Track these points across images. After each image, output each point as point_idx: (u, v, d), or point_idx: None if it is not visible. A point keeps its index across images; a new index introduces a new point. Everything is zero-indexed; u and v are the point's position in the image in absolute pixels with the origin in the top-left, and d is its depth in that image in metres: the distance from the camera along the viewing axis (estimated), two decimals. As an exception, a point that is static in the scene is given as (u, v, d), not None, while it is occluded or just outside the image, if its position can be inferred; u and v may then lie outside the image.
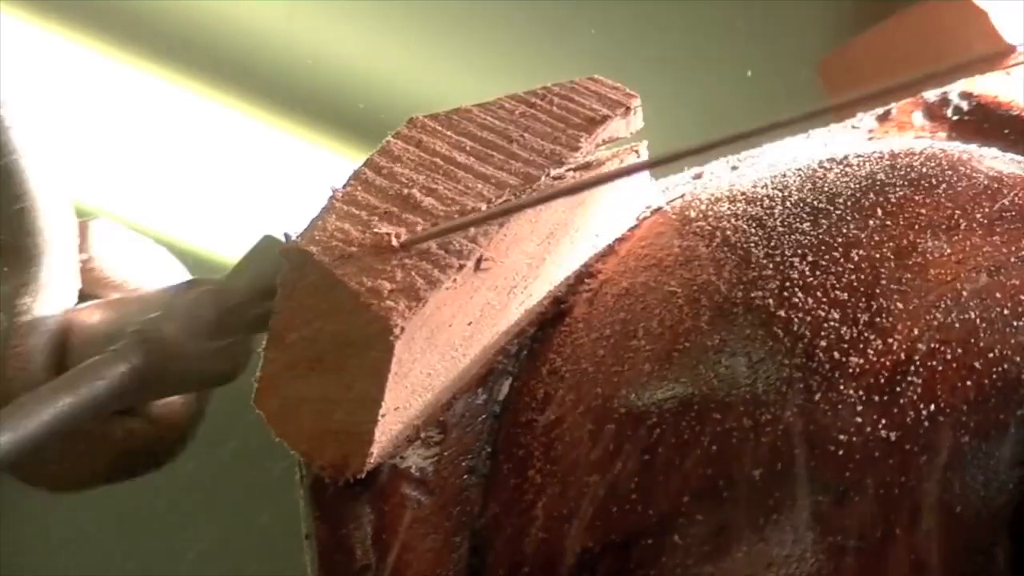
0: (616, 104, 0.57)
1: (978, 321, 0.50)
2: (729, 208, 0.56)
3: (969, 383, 0.49)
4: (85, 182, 0.86)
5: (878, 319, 0.50)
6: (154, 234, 0.84)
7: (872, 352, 0.50)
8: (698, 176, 0.63)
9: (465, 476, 0.54)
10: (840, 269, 0.52)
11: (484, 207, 0.52)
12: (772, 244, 0.53)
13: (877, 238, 0.53)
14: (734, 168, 0.63)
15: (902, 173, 0.56)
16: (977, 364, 0.49)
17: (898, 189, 0.55)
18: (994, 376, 0.49)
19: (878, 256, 0.52)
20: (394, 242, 0.50)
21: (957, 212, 0.54)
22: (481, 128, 0.55)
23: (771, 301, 0.52)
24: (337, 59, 0.92)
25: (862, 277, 0.51)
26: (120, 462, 0.64)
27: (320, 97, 0.89)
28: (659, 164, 0.53)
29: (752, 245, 0.54)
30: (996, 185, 0.55)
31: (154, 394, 0.62)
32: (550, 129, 0.56)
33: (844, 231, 0.53)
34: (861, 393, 0.49)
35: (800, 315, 0.51)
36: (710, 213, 0.56)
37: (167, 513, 0.76)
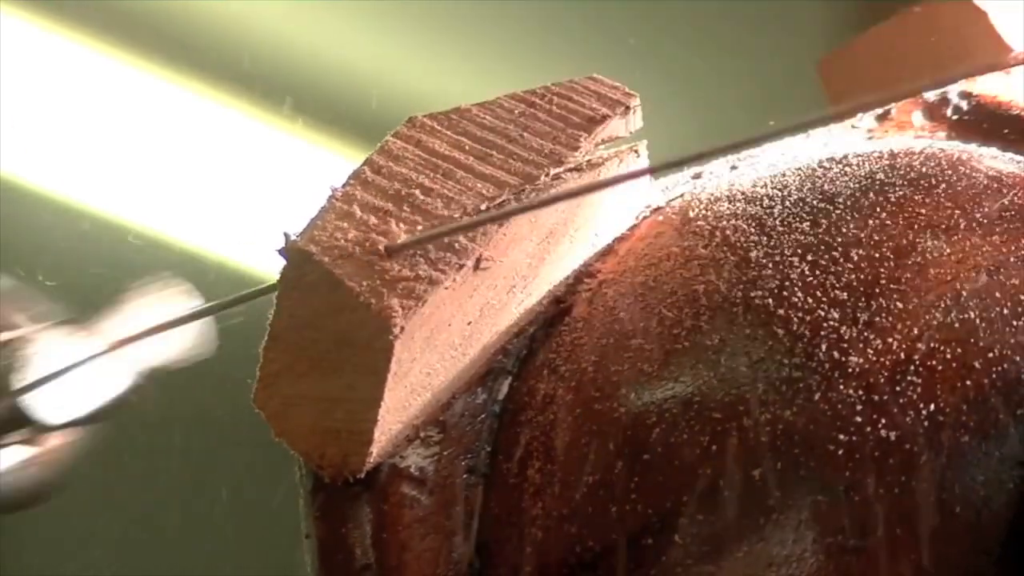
0: (615, 103, 0.57)
1: (978, 321, 0.50)
2: (729, 208, 0.56)
3: (969, 383, 0.49)
4: (85, 182, 0.86)
5: (878, 319, 0.50)
6: (154, 234, 0.84)
7: (872, 352, 0.50)
8: (698, 176, 0.63)
9: (465, 475, 0.54)
10: (840, 269, 0.52)
11: (484, 206, 0.52)
12: (772, 244, 0.53)
13: (877, 238, 0.53)
14: (734, 168, 0.63)
15: (901, 173, 0.56)
16: (977, 364, 0.49)
17: (898, 189, 0.55)
18: (994, 376, 0.49)
19: (877, 256, 0.52)
20: (380, 248, 0.50)
21: (957, 212, 0.54)
22: (480, 127, 0.55)
23: (771, 301, 0.52)
24: (337, 59, 0.92)
25: (862, 277, 0.51)
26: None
27: (320, 96, 0.89)
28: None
29: (752, 245, 0.54)
30: (996, 185, 0.55)
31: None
32: (549, 128, 0.56)
33: (844, 231, 0.53)
34: (861, 393, 0.49)
35: (800, 315, 0.51)
36: (710, 213, 0.56)
37: (166, 513, 0.76)
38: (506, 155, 0.54)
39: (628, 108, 0.57)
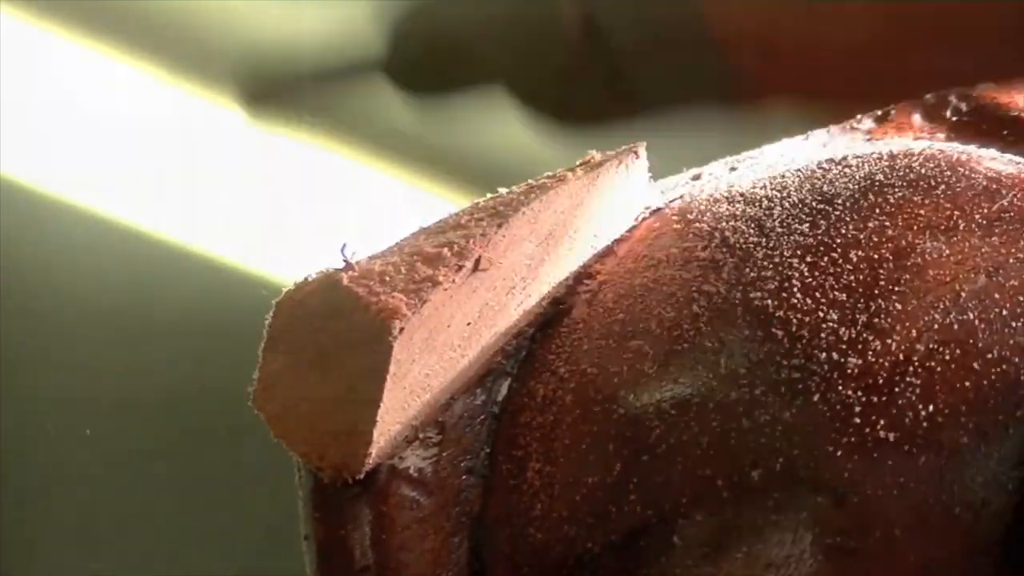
0: None
1: (977, 322, 0.50)
2: (728, 209, 0.56)
3: (968, 384, 0.49)
4: (85, 182, 0.87)
5: (877, 320, 0.50)
6: (154, 235, 0.84)
7: (871, 353, 0.50)
8: (697, 177, 0.63)
9: (464, 477, 0.54)
10: (839, 270, 0.52)
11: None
12: (771, 245, 0.53)
13: (876, 239, 0.53)
14: (733, 169, 0.63)
15: (901, 174, 0.56)
16: (976, 365, 0.49)
17: (897, 190, 0.55)
18: (993, 377, 0.49)
19: (877, 257, 0.52)
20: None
21: (956, 213, 0.54)
22: None
23: (770, 302, 0.52)
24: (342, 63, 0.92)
25: (861, 278, 0.52)
26: None
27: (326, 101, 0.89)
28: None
29: (751, 246, 0.54)
30: (995, 186, 0.55)
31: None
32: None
33: (843, 232, 0.53)
34: (860, 394, 0.49)
35: (799, 316, 0.51)
36: (709, 214, 0.56)
37: (166, 513, 0.76)
38: None
39: None
